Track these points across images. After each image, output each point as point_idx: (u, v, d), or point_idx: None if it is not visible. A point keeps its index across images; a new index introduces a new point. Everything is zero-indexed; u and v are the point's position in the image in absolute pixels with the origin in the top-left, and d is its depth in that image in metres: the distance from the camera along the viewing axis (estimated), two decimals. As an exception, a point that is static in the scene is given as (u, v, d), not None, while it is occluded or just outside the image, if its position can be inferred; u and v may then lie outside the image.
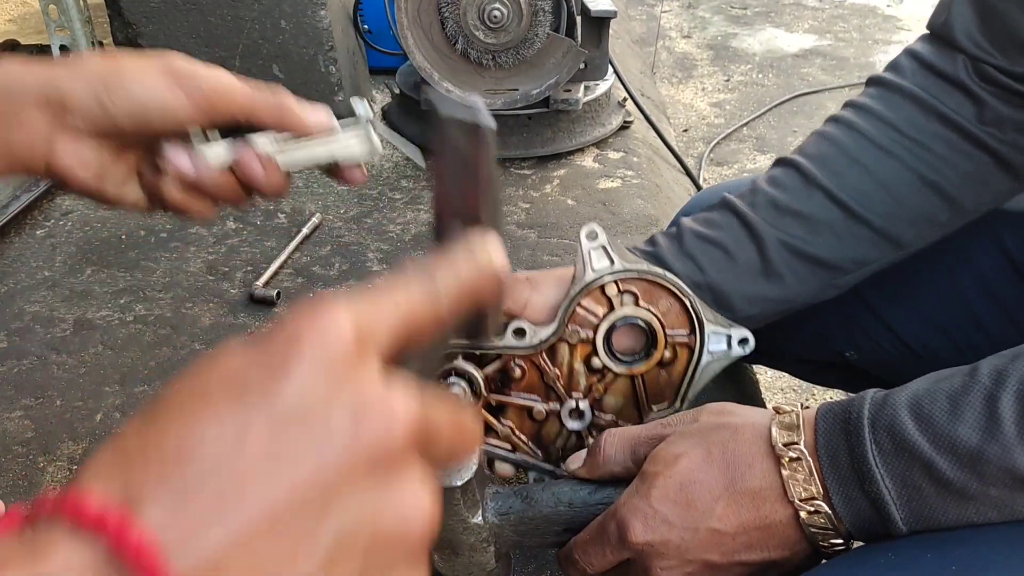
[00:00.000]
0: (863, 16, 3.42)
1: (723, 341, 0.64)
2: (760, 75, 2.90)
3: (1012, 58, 0.63)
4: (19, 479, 0.82)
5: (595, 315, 0.64)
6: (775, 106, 2.55)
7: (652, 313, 0.64)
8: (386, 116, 1.61)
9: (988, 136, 0.66)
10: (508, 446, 0.65)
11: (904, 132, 0.68)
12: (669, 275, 0.64)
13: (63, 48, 1.33)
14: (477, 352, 0.64)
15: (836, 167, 0.69)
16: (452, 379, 0.63)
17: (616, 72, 1.48)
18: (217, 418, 0.24)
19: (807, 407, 0.52)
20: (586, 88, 1.45)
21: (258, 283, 1.11)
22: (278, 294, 1.09)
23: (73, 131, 0.53)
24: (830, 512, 0.49)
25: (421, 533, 0.27)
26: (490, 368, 0.64)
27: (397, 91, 1.55)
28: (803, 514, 0.50)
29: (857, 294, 0.86)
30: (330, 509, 0.24)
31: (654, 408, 0.65)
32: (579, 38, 1.32)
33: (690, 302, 0.64)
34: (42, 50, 1.50)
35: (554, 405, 0.65)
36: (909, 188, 0.67)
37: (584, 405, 0.65)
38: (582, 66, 1.36)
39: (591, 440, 0.64)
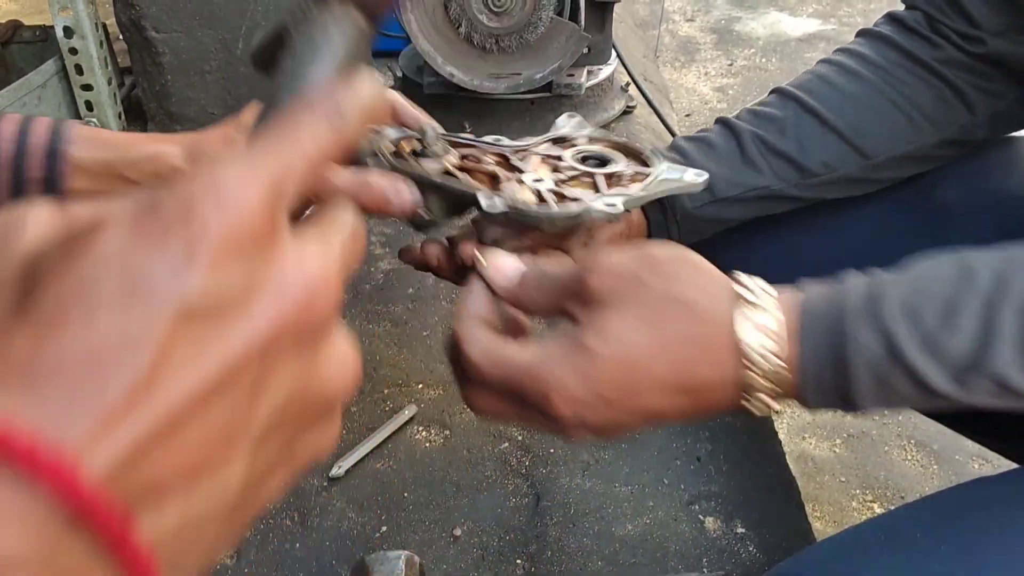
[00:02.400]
0: (867, 1, 3.41)
1: (678, 172, 0.65)
2: (764, 59, 2.90)
3: (949, 16, 0.80)
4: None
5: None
6: (778, 91, 2.54)
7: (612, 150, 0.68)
8: (389, 99, 1.61)
9: (942, 68, 0.80)
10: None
11: (873, 61, 0.83)
12: (632, 141, 0.68)
13: (67, 29, 1.32)
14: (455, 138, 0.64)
15: (811, 87, 0.83)
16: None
17: (619, 57, 1.48)
18: (121, 325, 0.21)
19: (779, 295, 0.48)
20: (589, 73, 1.45)
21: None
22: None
23: None
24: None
25: (347, 388, 0.27)
26: (463, 150, 0.64)
27: (400, 74, 1.55)
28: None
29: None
30: (260, 391, 0.23)
31: (611, 192, 0.63)
32: (583, 22, 1.32)
33: (646, 155, 0.66)
34: (45, 31, 1.49)
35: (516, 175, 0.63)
36: (874, 103, 0.81)
37: (546, 175, 0.63)
38: (585, 50, 1.36)
39: (546, 200, 0.61)
